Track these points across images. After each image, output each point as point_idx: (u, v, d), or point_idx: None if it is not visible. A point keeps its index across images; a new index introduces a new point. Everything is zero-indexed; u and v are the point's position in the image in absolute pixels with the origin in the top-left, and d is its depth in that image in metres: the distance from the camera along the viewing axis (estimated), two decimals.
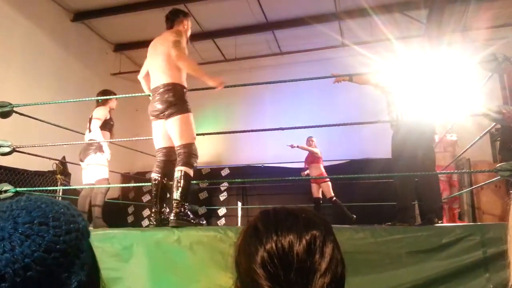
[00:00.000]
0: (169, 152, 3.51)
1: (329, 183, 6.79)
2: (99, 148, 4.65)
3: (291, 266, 0.71)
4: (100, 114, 4.74)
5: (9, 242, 0.58)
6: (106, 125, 4.81)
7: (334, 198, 6.69)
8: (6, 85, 6.40)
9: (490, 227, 2.37)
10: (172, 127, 3.34)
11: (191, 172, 3.30)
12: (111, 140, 4.91)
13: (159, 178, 3.46)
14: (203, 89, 3.95)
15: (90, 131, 4.72)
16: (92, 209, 4.53)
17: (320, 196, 6.86)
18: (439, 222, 3.59)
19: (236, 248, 0.81)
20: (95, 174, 4.65)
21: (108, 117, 4.83)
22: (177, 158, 3.34)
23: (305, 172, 7.11)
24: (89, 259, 0.66)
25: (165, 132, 3.45)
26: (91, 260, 0.68)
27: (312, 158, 7.00)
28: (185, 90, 3.43)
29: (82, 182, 4.84)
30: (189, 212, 3.18)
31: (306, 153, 7.18)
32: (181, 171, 3.25)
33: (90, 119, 4.75)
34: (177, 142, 3.35)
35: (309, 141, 7.13)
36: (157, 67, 3.43)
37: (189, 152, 3.32)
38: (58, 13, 7.97)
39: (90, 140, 4.69)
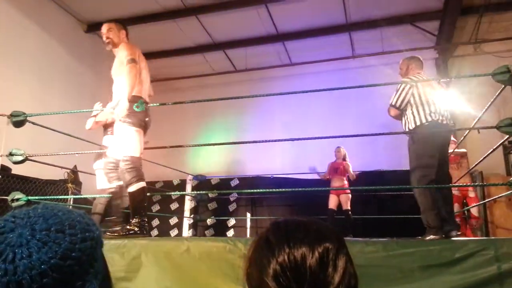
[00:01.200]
0: None
1: (350, 195, 6.71)
2: (102, 154, 4.58)
3: (304, 279, 0.70)
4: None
5: (26, 248, 0.58)
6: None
7: (350, 212, 6.62)
8: (20, 95, 6.50)
9: (504, 242, 2.32)
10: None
11: None
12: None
13: None
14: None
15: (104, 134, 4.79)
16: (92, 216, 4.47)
17: (335, 208, 6.76)
18: (457, 235, 3.49)
19: (247, 260, 0.81)
20: (97, 182, 4.64)
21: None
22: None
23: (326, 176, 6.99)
24: (102, 268, 0.67)
25: None
26: (104, 270, 0.68)
27: (338, 170, 6.87)
28: None
29: (95, 190, 4.85)
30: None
31: (326, 162, 7.09)
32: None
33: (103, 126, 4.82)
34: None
35: (339, 151, 6.97)
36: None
37: None
38: (72, 23, 8.11)
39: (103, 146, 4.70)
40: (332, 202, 6.77)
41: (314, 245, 0.73)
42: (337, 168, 6.87)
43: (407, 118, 3.69)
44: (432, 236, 3.26)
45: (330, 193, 6.81)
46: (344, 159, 7.00)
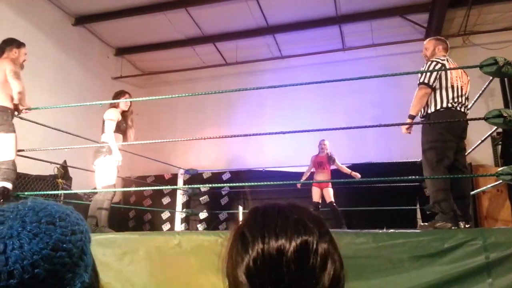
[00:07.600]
0: None
1: (332, 189, 6.71)
2: (110, 151, 4.38)
3: (281, 274, 0.65)
4: (112, 115, 4.50)
5: (17, 239, 0.59)
6: (119, 128, 4.59)
7: (334, 203, 6.64)
8: None
9: (492, 232, 2.36)
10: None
11: None
12: (122, 143, 4.71)
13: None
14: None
15: (103, 132, 4.51)
16: (98, 214, 4.36)
17: (320, 201, 6.78)
18: (467, 226, 3.40)
19: (225, 254, 0.77)
20: (102, 179, 4.45)
21: (120, 119, 4.67)
22: None
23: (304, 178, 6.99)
24: (91, 262, 0.67)
25: None
26: (93, 264, 0.68)
27: (322, 164, 6.86)
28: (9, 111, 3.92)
29: (85, 185, 4.79)
30: None
31: (309, 157, 7.09)
32: None
33: (104, 121, 4.52)
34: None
35: (321, 144, 6.96)
36: None
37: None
38: (60, 17, 8.00)
39: (103, 142, 4.49)
40: (316, 195, 6.79)
41: (291, 237, 0.68)
42: (321, 162, 6.88)
43: (428, 101, 3.49)
44: (443, 223, 3.15)
45: (313, 186, 6.82)
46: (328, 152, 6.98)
